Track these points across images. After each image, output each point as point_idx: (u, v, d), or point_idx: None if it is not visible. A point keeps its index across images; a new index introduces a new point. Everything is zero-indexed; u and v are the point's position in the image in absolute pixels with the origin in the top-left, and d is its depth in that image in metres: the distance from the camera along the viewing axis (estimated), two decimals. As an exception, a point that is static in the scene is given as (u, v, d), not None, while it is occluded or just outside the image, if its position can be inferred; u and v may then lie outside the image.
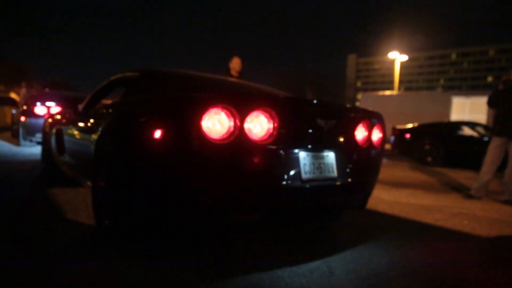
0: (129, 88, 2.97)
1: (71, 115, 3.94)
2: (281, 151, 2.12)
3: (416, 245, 2.72)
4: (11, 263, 2.01)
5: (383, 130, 2.76)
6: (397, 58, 26.44)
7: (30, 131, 6.86)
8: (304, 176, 2.22)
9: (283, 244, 2.58)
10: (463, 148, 9.17)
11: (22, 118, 7.19)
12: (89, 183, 2.78)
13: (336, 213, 2.99)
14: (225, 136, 1.90)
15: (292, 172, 2.18)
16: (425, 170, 8.24)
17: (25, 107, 7.43)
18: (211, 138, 1.88)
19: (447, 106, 16.55)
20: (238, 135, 1.92)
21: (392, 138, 10.95)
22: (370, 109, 2.76)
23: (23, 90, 11.71)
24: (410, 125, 10.72)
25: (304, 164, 2.24)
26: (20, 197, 3.46)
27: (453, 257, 2.51)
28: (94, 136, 2.73)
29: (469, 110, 17.77)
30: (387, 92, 18.37)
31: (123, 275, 1.91)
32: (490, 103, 5.01)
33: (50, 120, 4.57)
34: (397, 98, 16.92)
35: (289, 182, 2.16)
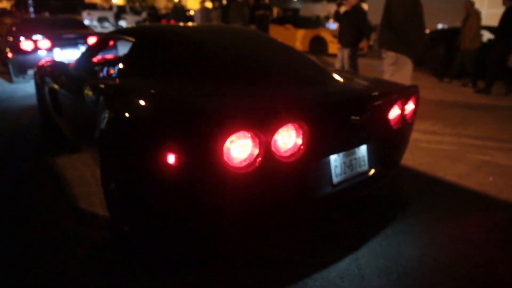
0: (128, 52, 2.60)
1: (61, 72, 3.55)
2: (310, 163, 1.88)
3: (444, 224, 2.62)
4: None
5: (417, 101, 2.47)
6: None
7: (20, 69, 6.34)
8: (335, 180, 2.02)
9: (307, 239, 2.40)
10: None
11: (9, 54, 6.58)
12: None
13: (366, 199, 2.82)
14: (249, 162, 1.65)
15: (322, 180, 1.97)
16: (441, 87, 7.89)
17: (10, 39, 6.72)
18: (234, 167, 1.63)
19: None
20: (263, 159, 1.66)
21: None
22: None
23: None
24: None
25: (335, 167, 2.02)
26: (22, 175, 3.26)
27: (481, 241, 2.45)
28: (95, 115, 2.37)
29: (486, 4, 16.35)
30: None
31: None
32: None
33: (39, 72, 4.16)
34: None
35: (319, 191, 1.97)
